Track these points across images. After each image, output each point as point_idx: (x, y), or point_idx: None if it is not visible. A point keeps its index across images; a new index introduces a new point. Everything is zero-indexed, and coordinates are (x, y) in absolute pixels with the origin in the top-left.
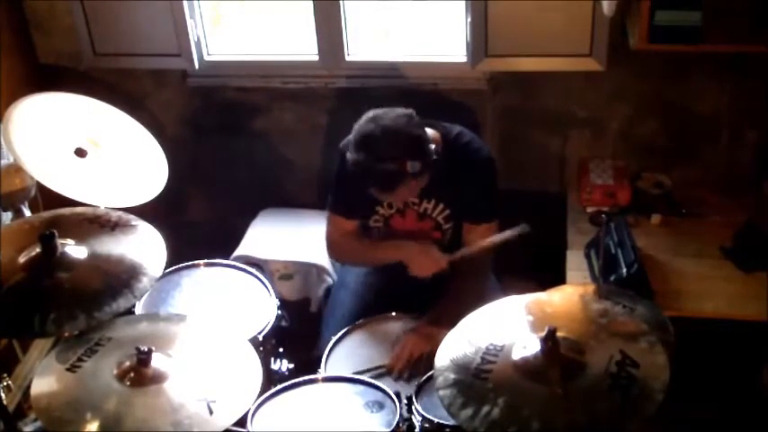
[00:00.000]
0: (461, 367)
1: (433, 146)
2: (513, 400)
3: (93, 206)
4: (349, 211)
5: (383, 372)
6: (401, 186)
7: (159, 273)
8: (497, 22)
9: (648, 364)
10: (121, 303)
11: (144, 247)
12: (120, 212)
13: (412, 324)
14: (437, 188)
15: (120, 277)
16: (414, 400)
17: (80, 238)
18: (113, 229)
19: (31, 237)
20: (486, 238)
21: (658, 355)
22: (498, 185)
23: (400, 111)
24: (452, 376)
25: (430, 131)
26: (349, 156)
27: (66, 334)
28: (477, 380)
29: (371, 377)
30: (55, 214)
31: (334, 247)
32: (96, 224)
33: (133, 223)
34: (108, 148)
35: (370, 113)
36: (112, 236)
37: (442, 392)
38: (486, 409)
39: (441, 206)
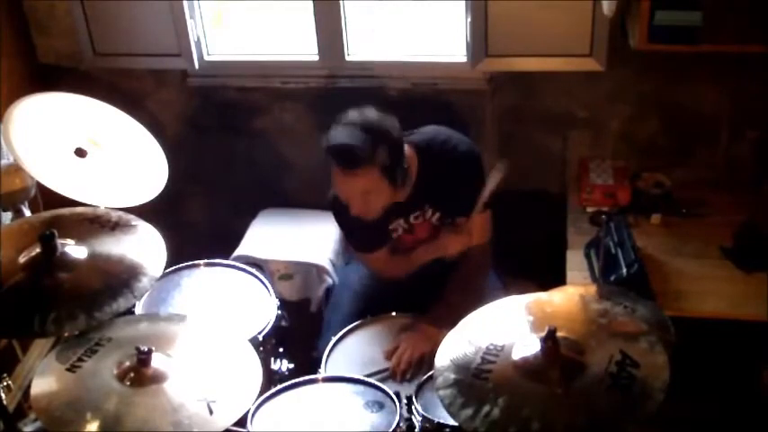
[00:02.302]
0: (461, 367)
1: (406, 158)
2: (513, 400)
3: (93, 206)
4: (370, 246)
5: (388, 375)
6: (363, 168)
7: (159, 273)
8: (497, 22)
9: (649, 364)
10: (121, 303)
11: (144, 247)
12: (120, 212)
13: (411, 324)
14: (429, 194)
15: (120, 277)
16: (414, 400)
17: (80, 238)
18: (113, 229)
19: (31, 237)
20: (483, 227)
21: (658, 355)
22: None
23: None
24: (452, 376)
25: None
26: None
27: (66, 334)
28: (477, 380)
29: (377, 380)
30: (55, 214)
31: (382, 274)
32: (96, 224)
33: (133, 223)
34: (108, 148)
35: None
36: (112, 236)
37: (442, 392)
38: (486, 409)
39: (431, 210)
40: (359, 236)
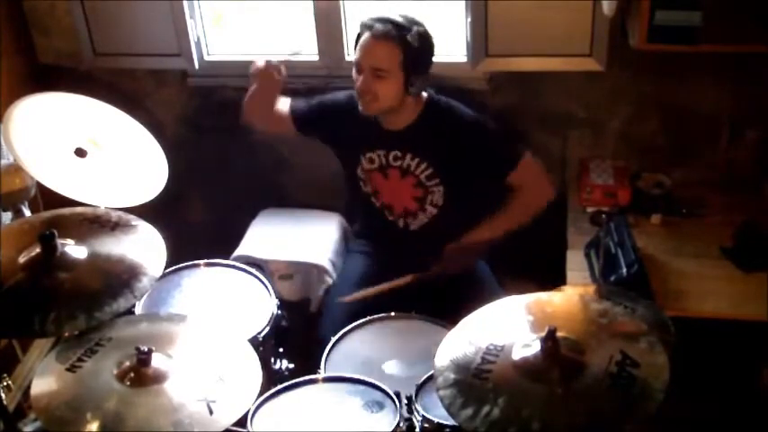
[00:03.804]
0: (461, 367)
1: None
2: (513, 400)
3: (94, 206)
4: (301, 115)
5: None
6: (389, 41)
7: (159, 273)
8: (497, 22)
9: (649, 364)
10: (122, 303)
11: (144, 247)
12: (120, 212)
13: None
14: (420, 146)
15: (121, 277)
16: (414, 400)
17: (80, 239)
18: (113, 229)
19: (31, 237)
20: (527, 175)
21: (658, 355)
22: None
23: None
24: (452, 376)
25: (423, 94)
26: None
27: (66, 334)
28: (477, 380)
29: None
30: (55, 214)
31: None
32: (96, 224)
33: (133, 223)
34: (108, 148)
35: None
36: (112, 236)
37: (442, 392)
38: (486, 409)
39: (424, 164)
40: (319, 118)
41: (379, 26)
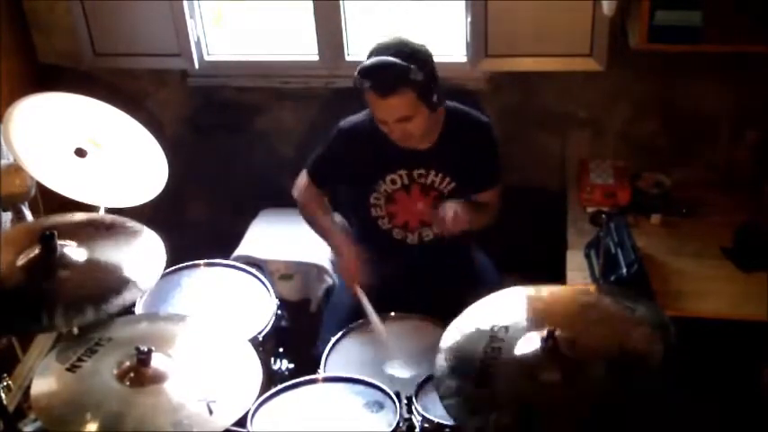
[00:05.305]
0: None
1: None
2: (513, 400)
3: (90, 208)
4: (323, 181)
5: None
6: (399, 91)
7: (151, 285)
8: (497, 22)
9: (646, 359)
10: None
11: (142, 256)
12: (119, 217)
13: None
14: (445, 161)
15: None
16: (414, 400)
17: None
18: (108, 231)
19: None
20: (492, 200)
21: (656, 349)
22: (499, 151)
23: None
24: (454, 384)
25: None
26: (356, 75)
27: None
28: (479, 387)
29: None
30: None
31: (298, 201)
32: (91, 228)
33: (132, 229)
34: (108, 148)
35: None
36: (109, 240)
37: (446, 402)
38: (491, 414)
39: (447, 179)
40: (331, 169)
41: (378, 83)
